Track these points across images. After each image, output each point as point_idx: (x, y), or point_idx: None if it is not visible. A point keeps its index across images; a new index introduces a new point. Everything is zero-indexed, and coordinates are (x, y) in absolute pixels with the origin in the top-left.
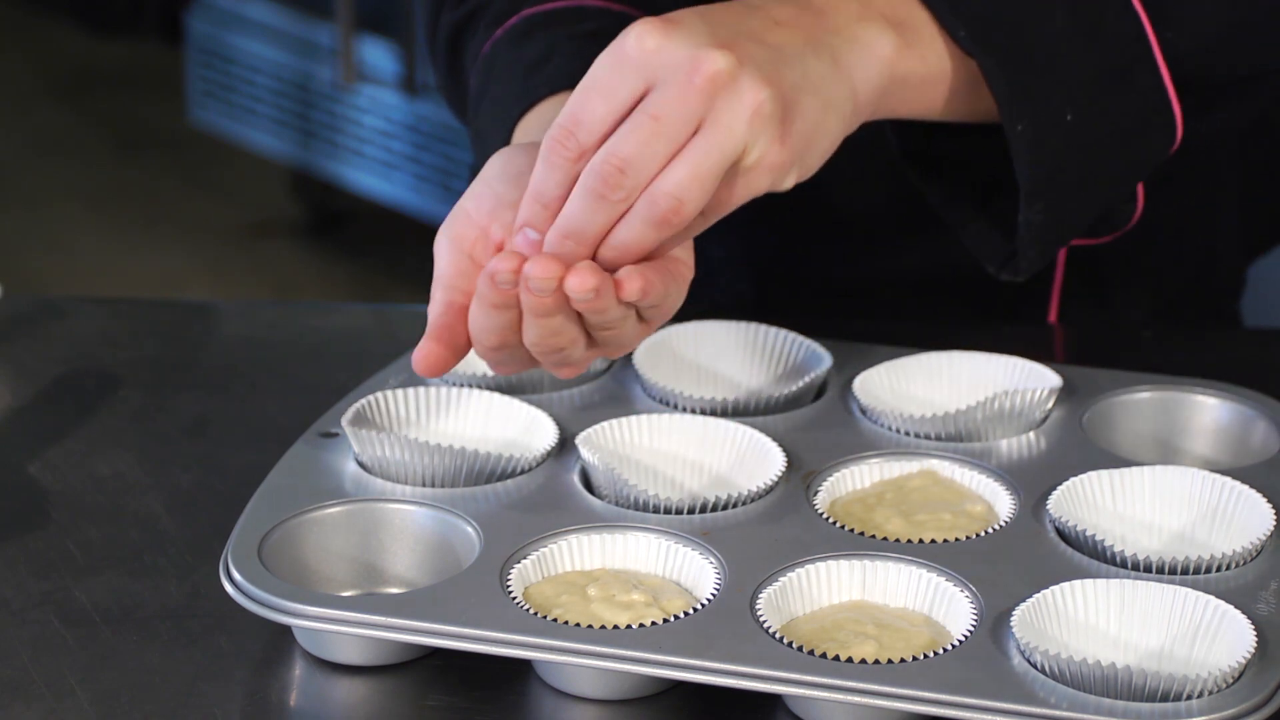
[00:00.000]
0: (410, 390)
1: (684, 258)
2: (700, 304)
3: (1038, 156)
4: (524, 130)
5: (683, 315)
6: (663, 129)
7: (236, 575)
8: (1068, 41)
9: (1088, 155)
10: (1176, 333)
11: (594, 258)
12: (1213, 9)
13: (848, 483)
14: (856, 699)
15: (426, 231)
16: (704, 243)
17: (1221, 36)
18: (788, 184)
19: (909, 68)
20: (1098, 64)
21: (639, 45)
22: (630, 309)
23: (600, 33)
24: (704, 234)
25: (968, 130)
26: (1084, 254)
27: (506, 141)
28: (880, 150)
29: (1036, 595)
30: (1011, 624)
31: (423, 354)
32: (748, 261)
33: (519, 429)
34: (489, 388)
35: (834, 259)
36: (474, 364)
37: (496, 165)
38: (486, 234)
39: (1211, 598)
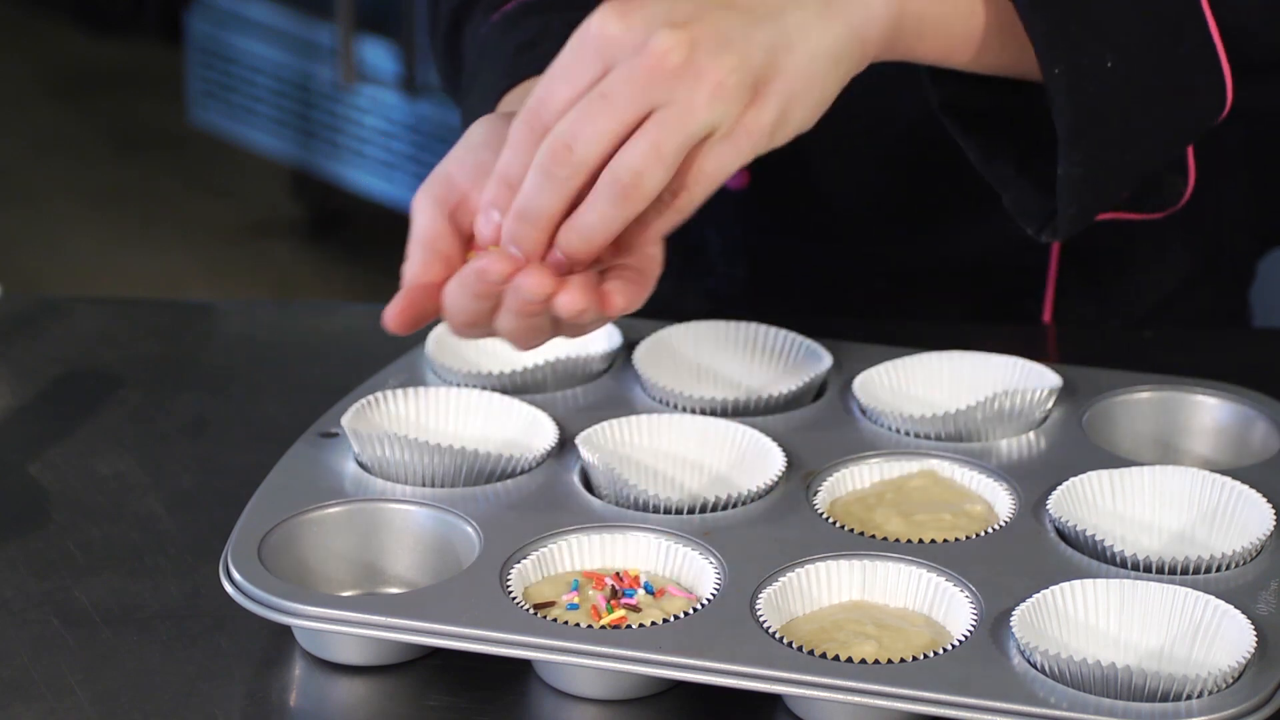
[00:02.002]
0: (410, 390)
1: (656, 254)
2: (697, 290)
3: (1075, 101)
4: (503, 106)
5: (683, 314)
6: (609, 107)
7: (236, 575)
8: None
9: (1129, 106)
10: (1176, 333)
11: (556, 243)
12: None
13: (848, 483)
14: (856, 699)
15: None
16: (699, 229)
17: (1270, 10)
18: (778, 141)
19: (922, 5)
20: (1141, 11)
21: (600, 30)
22: None
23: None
24: (699, 221)
25: (1009, 87)
26: (1078, 245)
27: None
28: (877, 138)
29: (1036, 595)
30: (1011, 624)
31: (396, 311)
32: (743, 249)
33: (519, 429)
34: (489, 388)
35: (829, 248)
36: (474, 364)
37: (480, 131)
38: (468, 199)
39: (1211, 598)
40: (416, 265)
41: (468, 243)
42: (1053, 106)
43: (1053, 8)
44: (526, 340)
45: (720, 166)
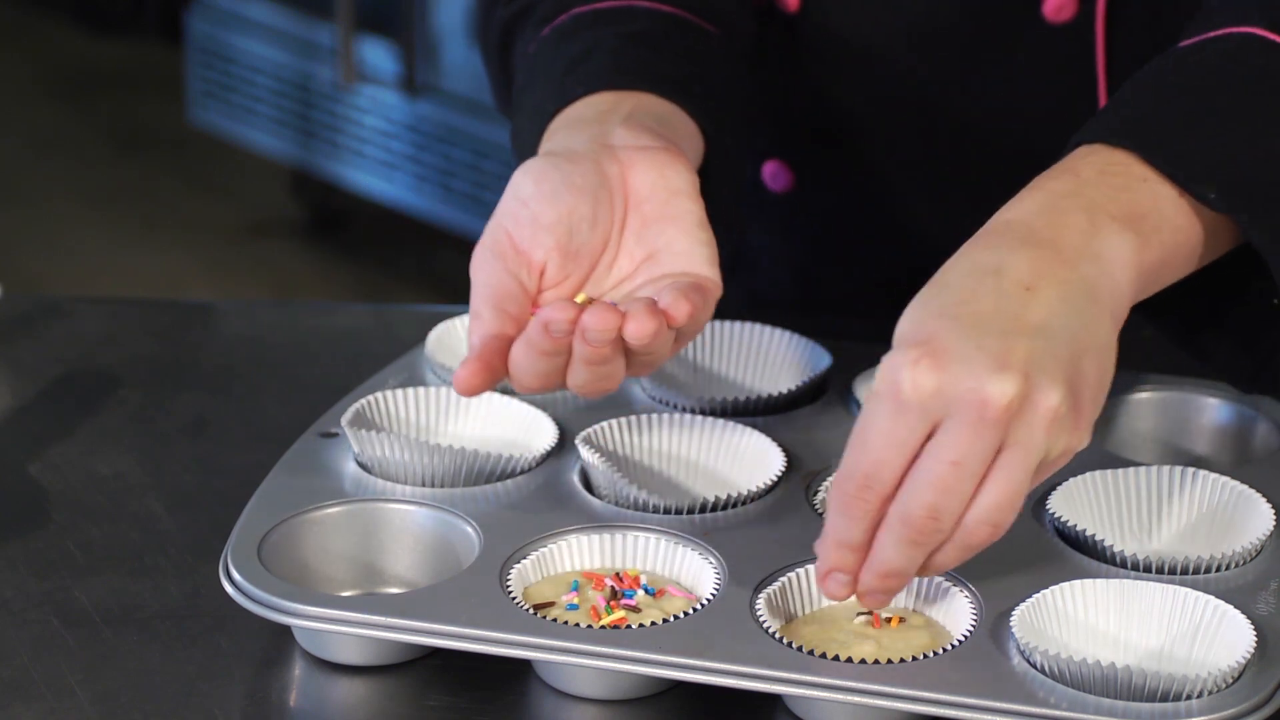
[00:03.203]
0: (410, 390)
1: (713, 277)
2: (740, 293)
3: None
4: (554, 128)
5: (723, 315)
6: (965, 471)
7: (236, 575)
8: None
9: None
10: None
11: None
12: None
13: None
14: (856, 699)
15: (426, 231)
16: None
17: None
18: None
19: (1154, 258)
20: None
21: (915, 390)
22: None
23: (645, 34)
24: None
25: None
26: None
27: (536, 140)
28: (926, 143)
29: (1036, 595)
30: (1011, 624)
31: (467, 374)
32: (787, 251)
33: (519, 429)
34: None
35: (877, 249)
36: None
37: (528, 184)
38: (529, 259)
39: (1211, 598)
40: (487, 325)
41: (530, 301)
42: None
43: (1271, 213)
44: (599, 389)
45: (1037, 482)
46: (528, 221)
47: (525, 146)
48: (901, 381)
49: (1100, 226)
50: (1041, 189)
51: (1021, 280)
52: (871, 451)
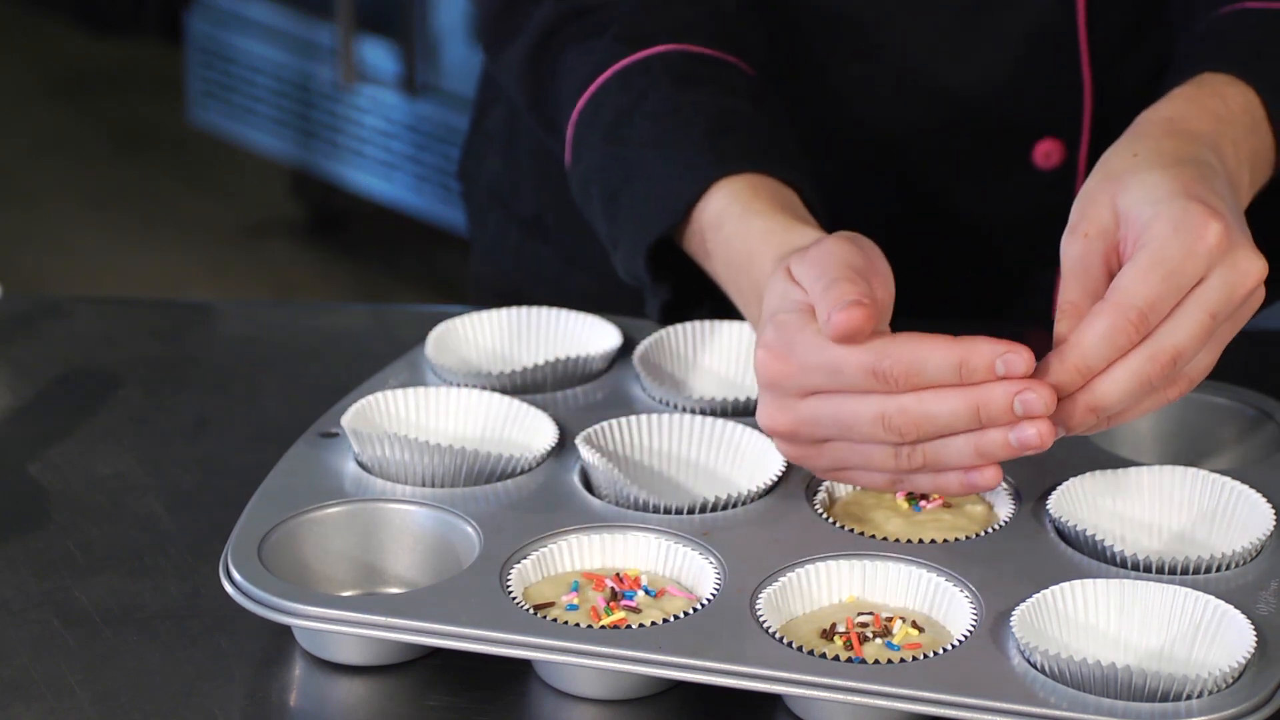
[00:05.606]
0: (410, 390)
1: None
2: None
3: None
4: (718, 198)
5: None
6: (1213, 327)
7: (236, 575)
8: None
9: None
10: None
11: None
12: None
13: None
14: (856, 699)
15: (426, 231)
16: None
17: None
18: None
19: (1252, 193)
20: None
21: (1216, 241)
22: None
23: (769, 107)
24: None
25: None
26: None
27: (694, 192)
28: (923, 123)
29: (1036, 595)
30: (1011, 624)
31: (865, 316)
32: None
33: (519, 429)
34: (489, 388)
35: (871, 235)
36: (474, 364)
37: (858, 257)
38: (878, 309)
39: (1211, 598)
40: (859, 293)
41: None
42: None
43: None
44: (955, 491)
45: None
46: (876, 301)
47: (659, 182)
48: (1208, 230)
49: (1242, 159)
50: (1207, 111)
51: (1223, 186)
52: (1163, 284)
